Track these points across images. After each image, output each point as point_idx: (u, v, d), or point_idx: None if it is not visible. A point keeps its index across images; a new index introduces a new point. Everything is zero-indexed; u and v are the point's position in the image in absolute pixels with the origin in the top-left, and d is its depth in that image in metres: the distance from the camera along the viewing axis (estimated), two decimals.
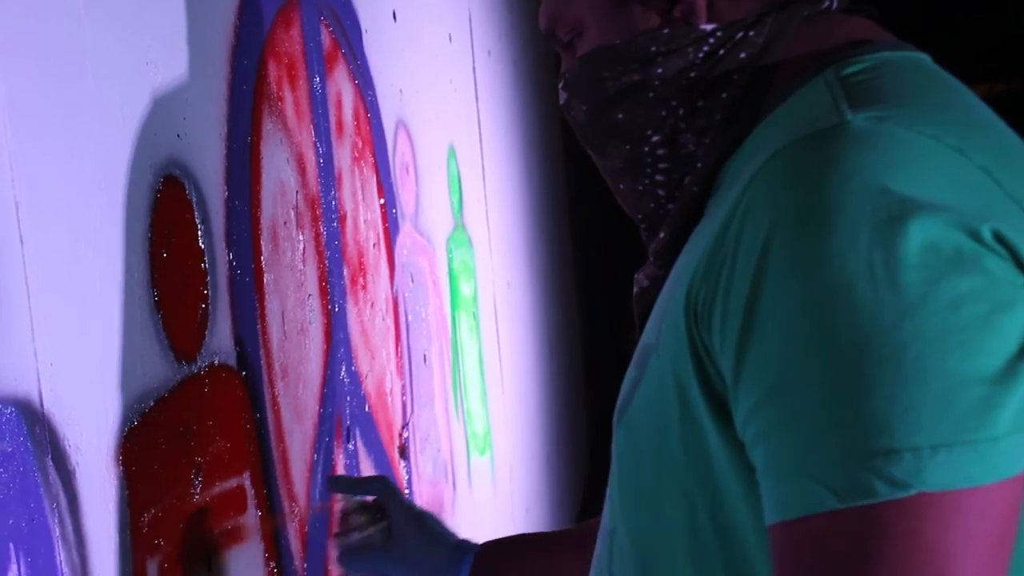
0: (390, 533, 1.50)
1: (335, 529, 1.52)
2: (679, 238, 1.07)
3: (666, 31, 1.05)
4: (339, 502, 1.54)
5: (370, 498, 1.53)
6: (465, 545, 1.52)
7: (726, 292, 0.87)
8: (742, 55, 1.03)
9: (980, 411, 0.78)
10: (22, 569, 1.00)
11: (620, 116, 1.09)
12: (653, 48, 1.06)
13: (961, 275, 0.80)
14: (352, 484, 1.58)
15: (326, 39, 2.07)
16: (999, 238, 0.81)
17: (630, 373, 1.03)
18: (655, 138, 1.08)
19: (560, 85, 1.16)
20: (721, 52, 1.04)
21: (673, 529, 0.98)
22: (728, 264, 0.88)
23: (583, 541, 1.36)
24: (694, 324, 0.91)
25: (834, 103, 0.91)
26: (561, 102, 1.16)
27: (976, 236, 0.81)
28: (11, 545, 0.98)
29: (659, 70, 1.06)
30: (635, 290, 1.16)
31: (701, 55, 1.04)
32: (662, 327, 0.96)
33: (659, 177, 1.10)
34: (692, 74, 1.05)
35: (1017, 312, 0.80)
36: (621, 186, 1.14)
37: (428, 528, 1.52)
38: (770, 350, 0.84)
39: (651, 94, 1.07)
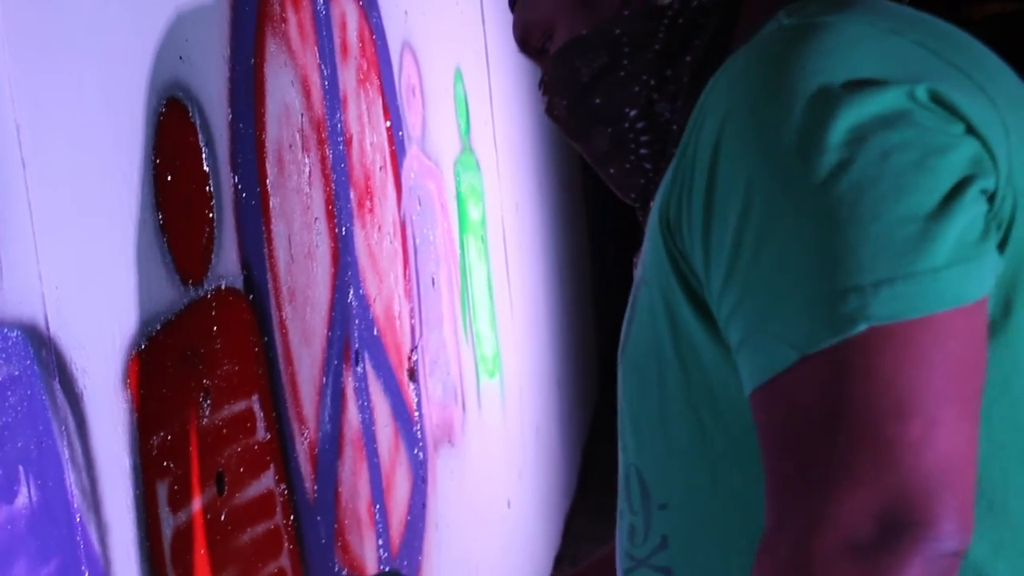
0: None
1: None
2: None
3: (627, 12, 1.12)
4: None
5: None
6: None
7: (689, 192, 0.93)
8: (700, 20, 1.09)
9: (917, 245, 0.82)
10: (32, 491, 1.00)
11: (597, 100, 1.14)
12: (618, 31, 1.12)
13: (890, 131, 0.84)
14: None
15: None
16: (935, 97, 0.86)
17: (627, 314, 1.08)
18: (632, 112, 1.13)
19: (541, 92, 1.22)
20: (680, 21, 1.10)
21: (685, 446, 1.01)
22: (689, 169, 0.93)
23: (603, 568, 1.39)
24: (669, 236, 0.96)
25: (776, 22, 0.97)
26: (544, 107, 1.22)
27: (910, 96, 0.85)
28: (21, 468, 0.99)
29: (626, 49, 1.12)
30: (635, 274, 1.17)
31: (662, 28, 1.10)
32: (647, 258, 1.01)
33: (643, 151, 1.14)
34: (656, 47, 1.10)
35: (951, 156, 0.84)
36: (611, 170, 1.19)
37: None
38: (726, 229, 0.89)
39: (622, 73, 1.12)
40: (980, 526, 0.84)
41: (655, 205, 1.00)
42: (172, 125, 1.33)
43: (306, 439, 1.75)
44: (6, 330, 0.99)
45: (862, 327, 0.82)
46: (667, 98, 1.11)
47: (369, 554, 2.04)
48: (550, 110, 1.21)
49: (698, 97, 1.05)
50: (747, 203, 0.87)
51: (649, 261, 1.00)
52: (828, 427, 0.83)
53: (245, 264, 1.53)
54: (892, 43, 0.91)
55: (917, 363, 0.82)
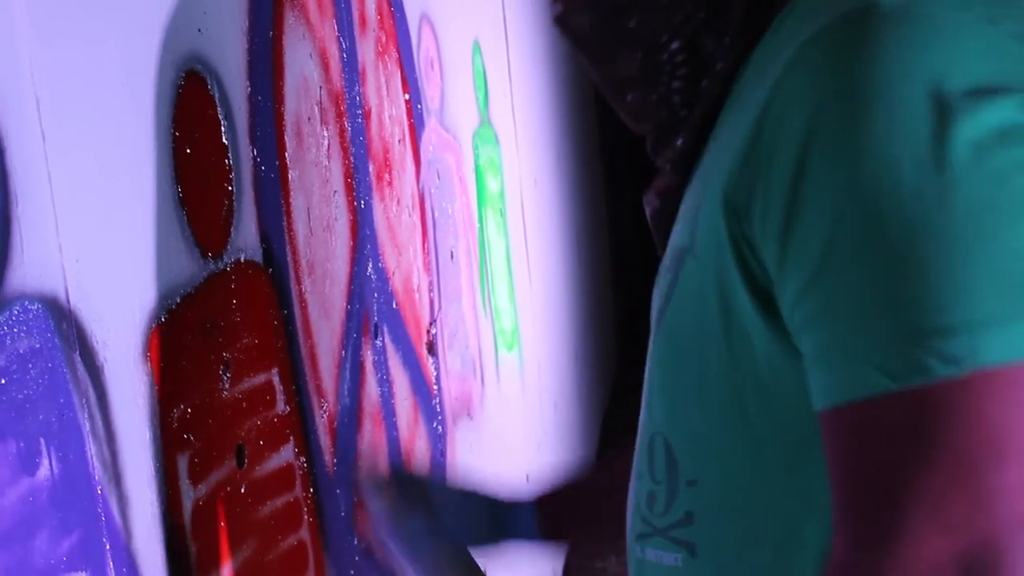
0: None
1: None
2: (698, 143, 1.06)
3: None
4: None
5: None
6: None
7: (767, 181, 0.87)
8: None
9: None
10: (54, 463, 1.01)
11: (631, 25, 1.06)
12: None
13: (1006, 148, 0.79)
14: None
15: None
16: None
17: (664, 277, 1.03)
18: (674, 44, 1.05)
19: None
20: None
21: (724, 428, 0.98)
22: (767, 154, 0.87)
23: None
24: (734, 220, 0.90)
25: None
26: (554, 15, 1.13)
27: (1022, 107, 0.80)
28: (42, 440, 0.99)
29: None
30: (648, 211, 1.14)
31: None
32: (697, 229, 0.96)
33: (676, 84, 1.07)
34: None
35: None
36: (628, 97, 1.11)
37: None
38: (815, 234, 0.83)
39: (664, 0, 1.04)
40: None
41: (716, 183, 0.94)
42: (191, 98, 1.33)
43: (325, 412, 1.75)
44: (27, 303, 0.99)
45: (969, 368, 0.77)
46: (715, 33, 1.03)
47: None
48: (564, 20, 1.12)
49: (750, 36, 1.01)
50: (844, 212, 0.82)
51: (702, 238, 0.95)
52: (920, 465, 0.79)
53: (264, 237, 1.53)
54: (991, 37, 0.84)
55: (1020, 408, 0.78)
